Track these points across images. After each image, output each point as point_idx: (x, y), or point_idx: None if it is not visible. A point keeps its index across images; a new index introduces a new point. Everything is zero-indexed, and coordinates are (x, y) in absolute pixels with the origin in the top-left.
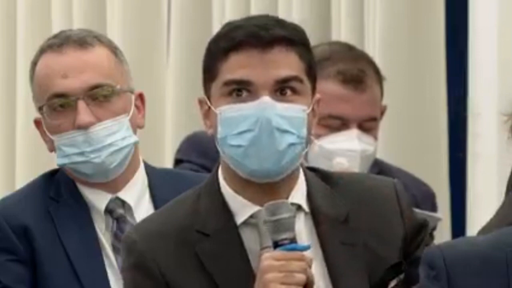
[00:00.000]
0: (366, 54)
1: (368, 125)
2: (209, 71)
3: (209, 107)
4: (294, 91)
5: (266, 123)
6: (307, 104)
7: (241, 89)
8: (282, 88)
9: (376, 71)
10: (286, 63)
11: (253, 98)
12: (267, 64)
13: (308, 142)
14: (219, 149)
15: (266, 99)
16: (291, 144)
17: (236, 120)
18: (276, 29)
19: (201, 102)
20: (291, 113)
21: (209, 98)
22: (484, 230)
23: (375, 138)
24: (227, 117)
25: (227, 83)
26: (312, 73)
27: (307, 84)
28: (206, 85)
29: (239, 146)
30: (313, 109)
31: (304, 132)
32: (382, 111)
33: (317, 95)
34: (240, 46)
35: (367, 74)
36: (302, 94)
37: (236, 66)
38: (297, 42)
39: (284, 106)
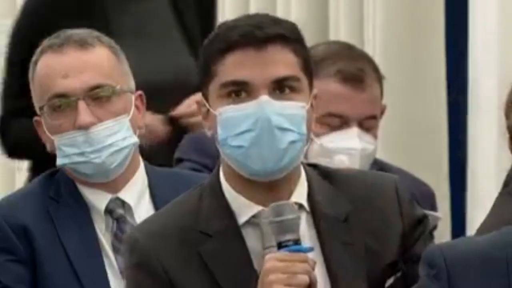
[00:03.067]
0: (365, 53)
1: (368, 124)
2: (206, 73)
3: (208, 109)
4: (292, 89)
5: (266, 122)
6: (305, 100)
7: (239, 90)
8: (280, 87)
9: (376, 70)
10: (282, 62)
11: (251, 98)
12: (263, 63)
13: (309, 138)
14: (220, 150)
15: (264, 98)
16: (292, 142)
17: (235, 121)
18: (270, 28)
19: (199, 104)
20: (290, 111)
21: (207, 99)
22: (480, 231)
23: (375, 137)
24: (227, 117)
25: (224, 85)
26: (308, 69)
27: (304, 80)
28: (204, 86)
29: (240, 146)
30: (311, 105)
31: (304, 129)
32: (382, 111)
33: (315, 90)
34: (235, 46)
35: (367, 73)
36: (300, 91)
37: (233, 67)
38: (292, 40)
39: (283, 104)
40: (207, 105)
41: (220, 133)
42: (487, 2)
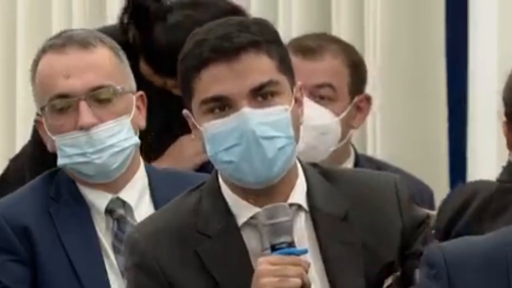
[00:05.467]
0: (341, 39)
1: (322, 93)
2: (185, 90)
3: (193, 122)
4: (273, 93)
5: (251, 134)
6: (288, 100)
7: (220, 105)
8: (260, 94)
9: (347, 55)
10: (257, 69)
11: (233, 110)
12: (238, 74)
13: (298, 137)
14: (212, 163)
15: (245, 110)
16: (281, 148)
17: (221, 136)
18: (238, 37)
19: (187, 116)
20: (273, 117)
21: (191, 112)
22: None
23: (334, 112)
24: (212, 134)
25: (204, 101)
26: (285, 66)
27: (284, 80)
28: (186, 101)
29: (230, 162)
30: (296, 100)
31: (290, 131)
32: (366, 100)
33: (298, 83)
34: (208, 62)
35: (324, 48)
36: (281, 93)
37: (209, 83)
38: (263, 43)
39: (265, 111)
40: (192, 118)
41: (209, 149)
42: (487, 2)
